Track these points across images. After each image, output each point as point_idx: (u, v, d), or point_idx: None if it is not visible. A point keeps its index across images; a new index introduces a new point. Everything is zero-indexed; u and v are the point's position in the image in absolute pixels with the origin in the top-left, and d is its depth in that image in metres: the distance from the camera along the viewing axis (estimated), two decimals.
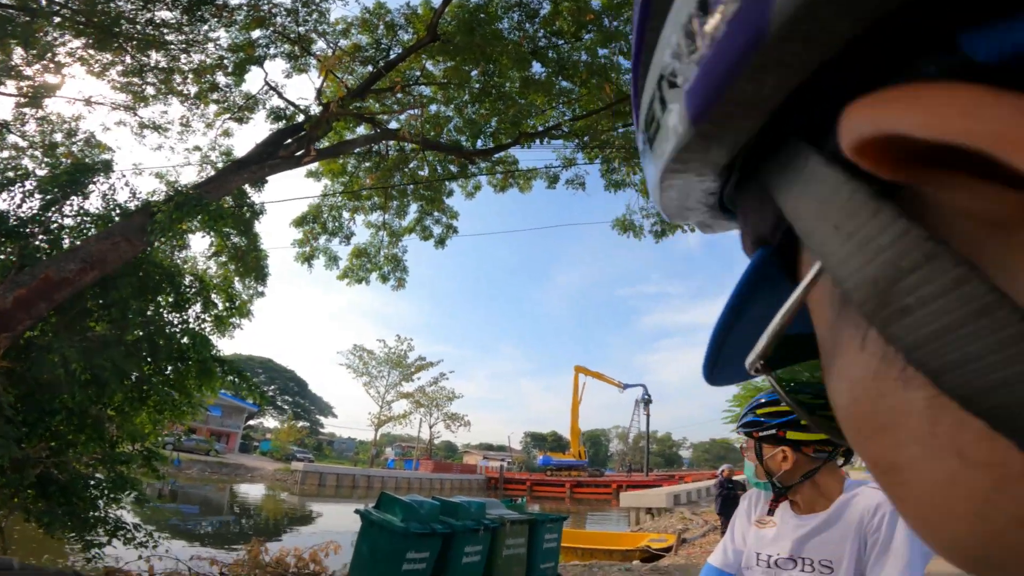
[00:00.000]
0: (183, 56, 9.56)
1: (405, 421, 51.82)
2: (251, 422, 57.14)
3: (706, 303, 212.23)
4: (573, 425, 55.06)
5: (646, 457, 56.44)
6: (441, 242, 11.96)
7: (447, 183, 11.74)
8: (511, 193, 12.48)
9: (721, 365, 0.34)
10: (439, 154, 11.09)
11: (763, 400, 1.79)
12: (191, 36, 9.36)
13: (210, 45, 9.58)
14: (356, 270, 11.63)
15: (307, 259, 11.17)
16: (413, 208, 11.95)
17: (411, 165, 11.39)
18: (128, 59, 9.39)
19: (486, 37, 8.68)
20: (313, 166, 10.88)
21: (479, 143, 10.68)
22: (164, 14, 8.90)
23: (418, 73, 10.14)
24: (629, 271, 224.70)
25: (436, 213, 11.89)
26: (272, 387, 63.86)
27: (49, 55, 9.07)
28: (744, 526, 1.89)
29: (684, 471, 69.15)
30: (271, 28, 9.36)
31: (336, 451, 65.88)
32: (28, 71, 9.16)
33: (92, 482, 6.24)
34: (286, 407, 66.74)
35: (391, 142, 10.70)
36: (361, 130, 10.78)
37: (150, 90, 9.97)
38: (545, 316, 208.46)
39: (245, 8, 9.12)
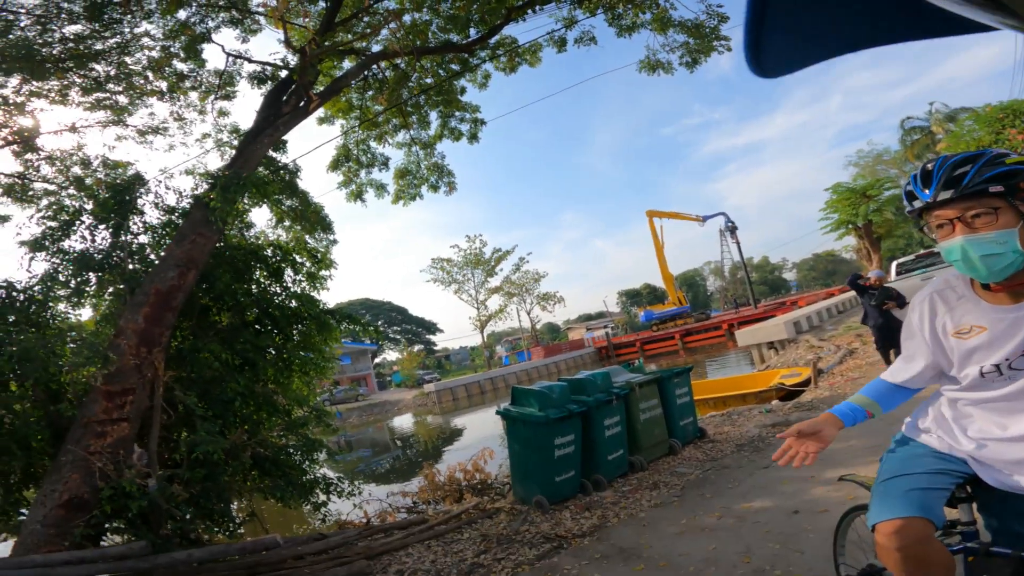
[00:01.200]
0: (125, 57, 9.31)
1: (504, 315, 53.98)
2: (376, 360, 61.97)
3: (755, 121, 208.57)
4: (663, 272, 53.78)
5: (749, 287, 53.78)
6: (473, 137, 11.93)
7: (455, 82, 11.51)
8: (524, 72, 12.15)
9: (767, 48, 0.27)
10: (436, 58, 10.75)
11: (959, 158, 1.49)
12: (117, 39, 9.07)
13: (145, 40, 9.33)
14: (405, 189, 12.00)
15: (357, 195, 11.62)
16: (434, 116, 11.90)
17: (413, 79, 11.10)
18: (76, 78, 9.25)
19: None
20: (321, 112, 10.90)
21: (472, 33, 10.18)
22: (73, 28, 8.65)
23: None
24: (667, 109, 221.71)
25: (457, 113, 11.79)
26: (378, 322, 67.17)
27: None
28: (936, 331, 1.67)
29: (794, 295, 66.53)
30: (193, 3, 8.97)
31: (454, 363, 70.77)
32: None
33: (290, 450, 6.96)
34: (399, 336, 71.45)
35: (384, 65, 10.38)
36: (348, 64, 10.51)
37: (122, 99, 9.90)
38: (596, 176, 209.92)
39: None
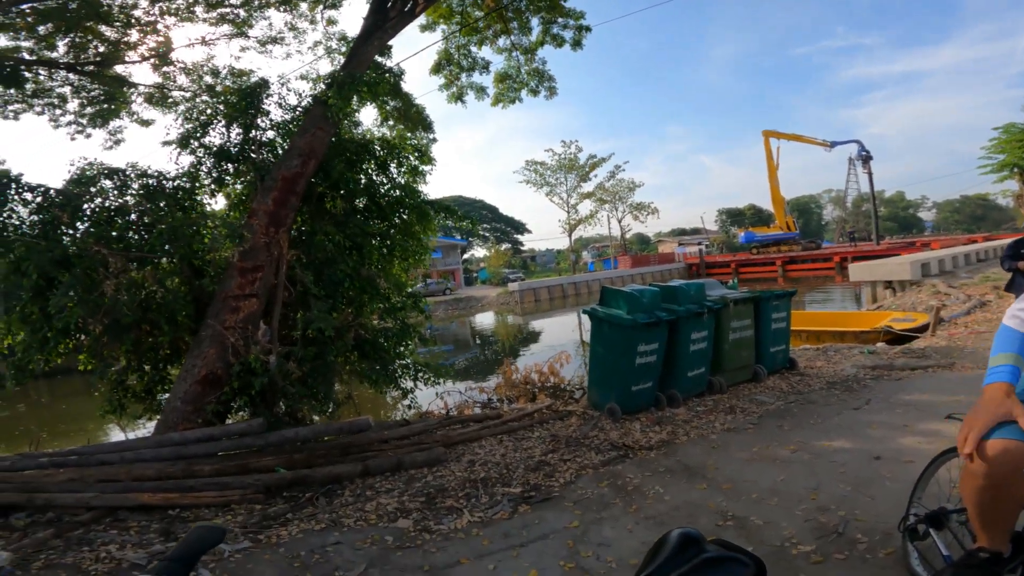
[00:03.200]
0: None
1: (593, 220, 53.64)
2: (465, 256, 64.20)
3: (917, 49, 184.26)
4: (774, 194, 49.78)
5: (874, 221, 49.05)
6: (576, 43, 11.39)
7: None
8: None
9: None
10: None
11: None
12: None
13: None
14: (505, 92, 11.89)
15: (458, 97, 11.66)
16: (535, 22, 11.46)
17: None
18: None
19: None
20: (424, 19, 10.85)
21: None
22: None
23: None
24: (800, 28, 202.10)
25: (560, 19, 11.25)
26: (471, 219, 68.14)
27: (132, 19, 9.91)
28: None
29: (927, 236, 59.76)
30: None
31: (539, 265, 71.69)
32: (131, 39, 10.25)
33: (387, 334, 7.51)
34: (488, 234, 73.08)
35: None
36: None
37: (243, 13, 10.49)
38: (708, 91, 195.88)
39: None
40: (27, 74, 9.95)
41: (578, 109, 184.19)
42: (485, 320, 36.73)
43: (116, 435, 9.13)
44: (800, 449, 4.68)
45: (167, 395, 6.50)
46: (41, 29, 9.55)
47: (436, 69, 11.59)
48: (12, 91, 10.12)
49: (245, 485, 4.56)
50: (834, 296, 28.61)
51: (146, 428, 7.75)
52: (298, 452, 5.36)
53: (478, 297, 43.29)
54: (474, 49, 11.64)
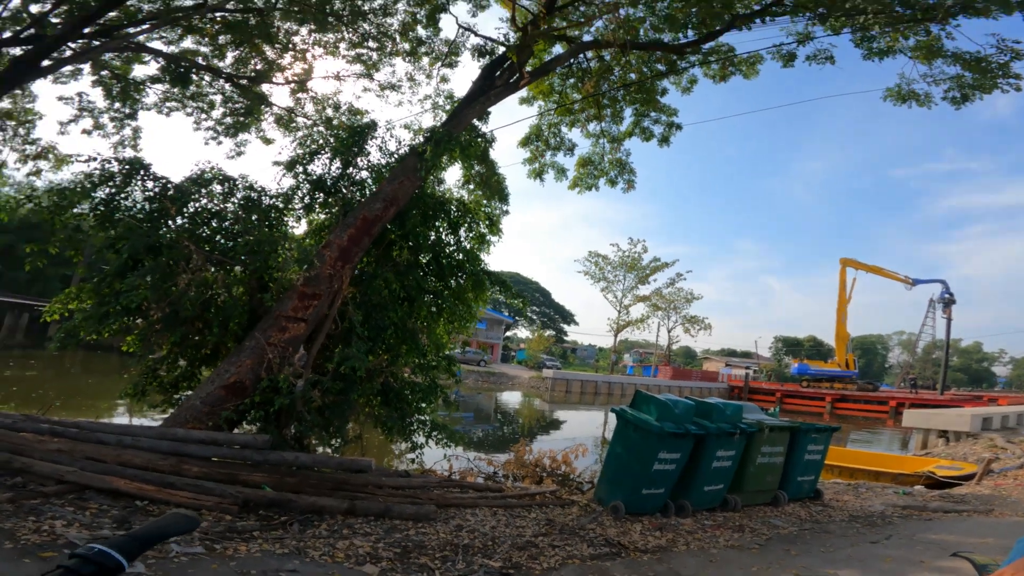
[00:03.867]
0: (384, 19, 11.00)
1: (643, 326, 52.42)
2: (508, 333, 64.31)
3: None
4: (839, 329, 47.44)
5: (943, 370, 46.38)
6: (664, 140, 11.70)
7: (658, 82, 11.33)
8: (735, 83, 11.50)
9: None
10: (643, 55, 10.68)
11: None
12: (381, 2, 10.69)
13: (400, 4, 10.88)
14: (584, 178, 12.17)
15: (538, 174, 12.05)
16: (628, 113, 11.87)
17: (616, 72, 11.18)
18: (347, 33, 11.22)
19: None
20: (525, 93, 11.49)
21: (690, 34, 9.84)
22: None
23: None
24: (907, 149, 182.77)
25: (653, 113, 11.63)
26: (523, 298, 68.60)
27: (291, 45, 11.45)
28: None
29: (997, 391, 56.07)
30: None
31: (579, 358, 70.76)
32: (284, 62, 11.72)
33: (414, 388, 7.56)
34: (535, 317, 73.28)
35: (590, 54, 10.64)
36: (558, 49, 10.90)
37: (375, 56, 11.80)
38: (789, 208, 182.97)
39: None
40: (194, 76, 11.39)
41: (651, 208, 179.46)
42: (512, 399, 36.27)
43: (123, 420, 9.31)
44: (802, 575, 4.32)
45: (189, 392, 6.66)
46: (221, 39, 11.06)
47: (525, 142, 12.12)
48: (176, 89, 11.58)
49: (224, 494, 4.49)
50: (881, 438, 27.11)
51: (154, 420, 7.88)
52: (291, 476, 5.27)
53: (511, 375, 43.00)
54: (564, 129, 12.17)
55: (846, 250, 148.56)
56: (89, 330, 6.15)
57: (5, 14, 9.38)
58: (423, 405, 7.72)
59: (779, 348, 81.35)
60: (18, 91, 10.81)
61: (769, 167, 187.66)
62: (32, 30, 9.65)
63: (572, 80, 11.51)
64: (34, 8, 9.93)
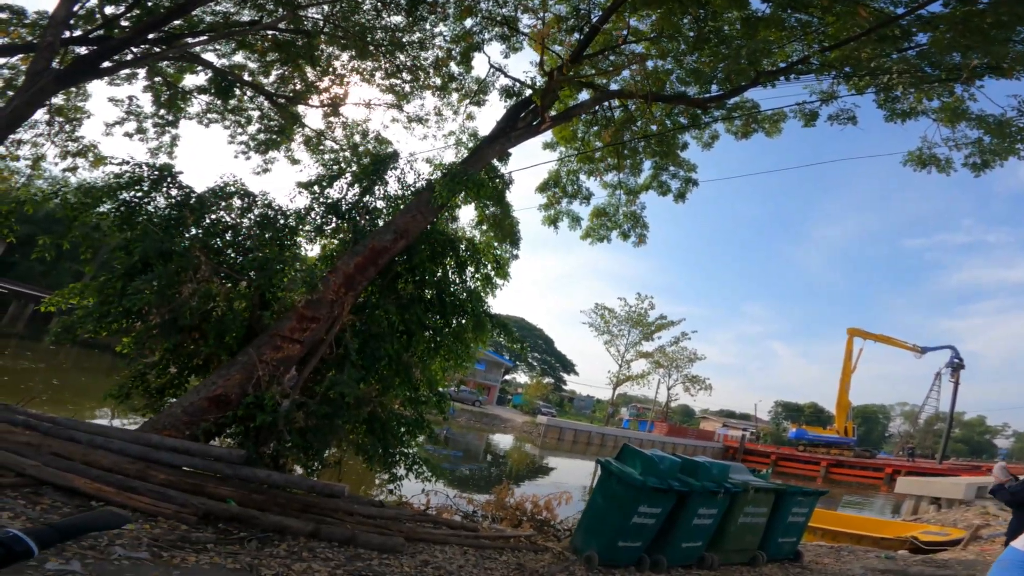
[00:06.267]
0: (421, 52, 11.38)
1: (643, 381, 51.90)
2: (507, 377, 63.65)
3: None
4: (841, 397, 47.32)
5: (944, 438, 45.61)
6: (681, 196, 11.64)
7: (680, 136, 11.35)
8: (757, 140, 11.64)
9: None
10: (667, 107, 10.75)
11: None
12: (420, 36, 11.10)
13: (437, 40, 11.26)
14: (597, 229, 12.08)
15: (552, 221, 11.98)
16: (647, 165, 11.85)
17: (639, 123, 11.24)
18: (384, 63, 11.59)
19: None
20: (547, 137, 11.65)
21: (714, 88, 9.99)
22: (395, 19, 10.95)
23: (625, 32, 9.89)
24: (925, 217, 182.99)
25: (672, 167, 11.61)
26: (524, 344, 67.78)
27: (331, 69, 11.85)
28: None
29: (996, 462, 54.08)
30: (479, 15, 10.34)
31: (575, 408, 69.71)
32: (322, 85, 12.10)
33: (402, 420, 7.51)
34: (535, 363, 72.65)
35: (615, 103, 10.75)
36: (583, 96, 11.05)
37: (407, 88, 12.16)
38: (801, 274, 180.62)
39: (452, 3, 10.29)
40: (237, 91, 11.79)
41: (660, 263, 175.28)
42: (503, 441, 35.70)
43: (103, 421, 9.18)
44: None
45: (174, 400, 6.59)
46: (269, 56, 11.58)
47: (543, 187, 12.11)
48: (219, 101, 11.92)
49: (185, 503, 4.38)
50: (873, 504, 26.44)
51: (133, 423, 7.77)
52: (260, 493, 5.15)
53: (504, 418, 42.51)
54: (583, 177, 12.16)
55: (855, 319, 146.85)
56: (87, 327, 6.16)
57: (81, 12, 9.72)
58: (407, 438, 7.62)
59: (778, 412, 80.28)
60: (73, 88, 11.07)
61: (786, 230, 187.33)
62: (101, 31, 10.02)
63: (596, 128, 11.63)
64: (108, 9, 10.37)
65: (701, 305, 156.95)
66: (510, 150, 9.94)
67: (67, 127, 11.72)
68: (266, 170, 12.96)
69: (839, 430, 46.67)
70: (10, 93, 10.24)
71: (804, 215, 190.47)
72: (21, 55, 10.28)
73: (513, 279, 8.96)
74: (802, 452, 44.95)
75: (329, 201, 8.02)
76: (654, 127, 11.30)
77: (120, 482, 4.44)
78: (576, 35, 10.25)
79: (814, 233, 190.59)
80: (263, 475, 5.31)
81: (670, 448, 40.99)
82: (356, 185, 8.16)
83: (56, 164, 11.68)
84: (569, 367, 76.77)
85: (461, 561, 5.04)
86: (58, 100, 10.92)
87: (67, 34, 9.26)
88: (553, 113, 9.84)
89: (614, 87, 10.70)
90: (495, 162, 9.82)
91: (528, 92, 9.85)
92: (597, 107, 10.76)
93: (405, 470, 7.53)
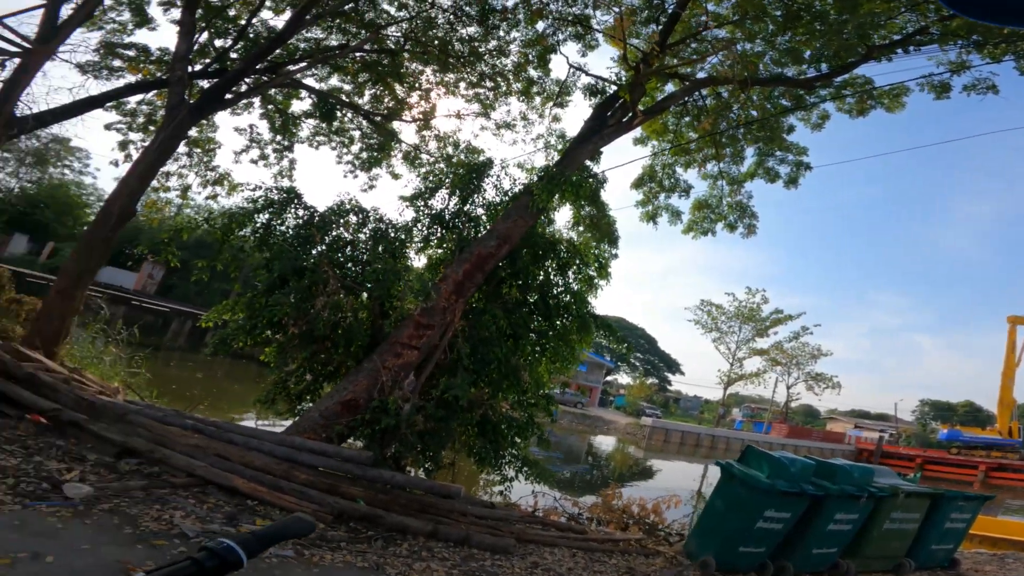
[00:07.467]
0: (499, 59, 11.61)
1: (758, 380, 48.69)
2: (608, 378, 62.67)
3: None
4: (1004, 394, 41.19)
5: None
6: (792, 181, 10.95)
7: (783, 119, 10.66)
8: (874, 117, 10.52)
9: None
10: (765, 91, 10.14)
11: None
12: (496, 44, 11.32)
13: (512, 47, 11.43)
14: (700, 222, 11.62)
15: (651, 217, 11.68)
16: (750, 152, 11.25)
17: (735, 110, 10.69)
18: (465, 73, 11.98)
19: None
20: (638, 132, 11.33)
21: (823, 67, 9.27)
22: (469, 30, 11.27)
23: (704, 18, 9.44)
24: None
25: (778, 152, 10.95)
26: (628, 344, 65.86)
27: (417, 84, 12.45)
28: None
29: None
30: (550, 17, 10.32)
31: (682, 409, 66.95)
32: (412, 100, 12.76)
33: (511, 422, 7.68)
34: (637, 364, 70.87)
35: (705, 92, 10.32)
36: (669, 88, 10.71)
37: (491, 96, 12.49)
38: (944, 258, 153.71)
39: (521, 8, 10.34)
40: (338, 113, 12.91)
41: (774, 254, 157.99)
42: (605, 444, 35.09)
43: (250, 423, 10.30)
44: None
45: (311, 404, 7.28)
46: (360, 77, 12.57)
47: (638, 184, 11.86)
48: (324, 124, 13.13)
49: (323, 503, 4.79)
50: None
51: (278, 426, 8.71)
52: (384, 494, 5.52)
53: (607, 420, 41.72)
54: (679, 170, 11.73)
55: (1017, 306, 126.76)
56: (240, 339, 6.96)
57: (196, 47, 11.12)
58: (517, 440, 7.80)
59: (925, 412, 71.48)
60: (204, 121, 12.45)
61: (917, 209, 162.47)
62: (216, 64, 11.37)
63: (687, 119, 11.21)
64: (218, 43, 11.75)
65: (821, 296, 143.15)
66: (602, 149, 9.84)
67: (204, 158, 13.24)
68: (372, 187, 13.82)
69: (1001, 431, 40.83)
70: (151, 128, 11.90)
71: (941, 192, 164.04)
72: (155, 91, 11.72)
73: (612, 278, 8.85)
74: (955, 455, 39.83)
75: (433, 212, 8.45)
76: (753, 112, 10.67)
77: (271, 482, 4.94)
78: (653, 26, 9.98)
79: (956, 212, 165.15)
80: (387, 476, 5.70)
81: (791, 451, 37.96)
82: (455, 194, 8.50)
83: (200, 193, 13.29)
84: (674, 366, 73.91)
85: (570, 564, 5.10)
86: (192, 132, 12.10)
87: (188, 68, 10.33)
88: (642, 107, 9.61)
89: (702, 75, 10.26)
90: (587, 162, 9.81)
91: (612, 89, 9.65)
92: (687, 97, 10.35)
93: (514, 472, 7.71)
